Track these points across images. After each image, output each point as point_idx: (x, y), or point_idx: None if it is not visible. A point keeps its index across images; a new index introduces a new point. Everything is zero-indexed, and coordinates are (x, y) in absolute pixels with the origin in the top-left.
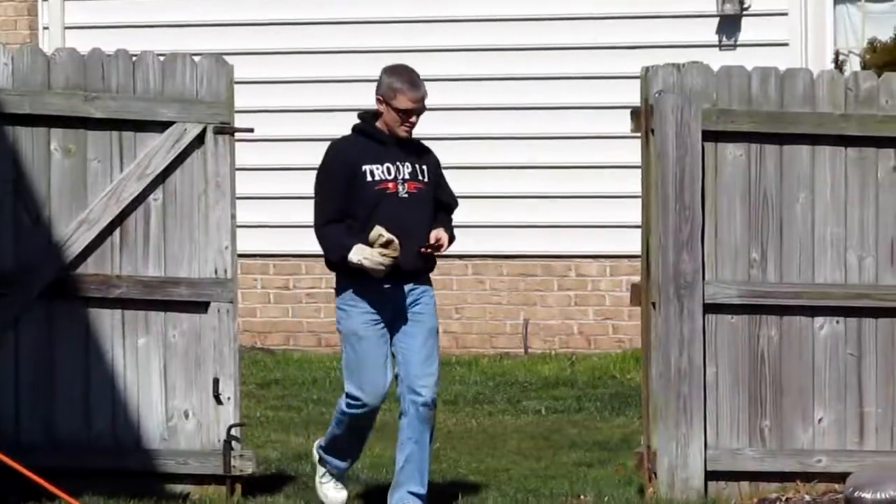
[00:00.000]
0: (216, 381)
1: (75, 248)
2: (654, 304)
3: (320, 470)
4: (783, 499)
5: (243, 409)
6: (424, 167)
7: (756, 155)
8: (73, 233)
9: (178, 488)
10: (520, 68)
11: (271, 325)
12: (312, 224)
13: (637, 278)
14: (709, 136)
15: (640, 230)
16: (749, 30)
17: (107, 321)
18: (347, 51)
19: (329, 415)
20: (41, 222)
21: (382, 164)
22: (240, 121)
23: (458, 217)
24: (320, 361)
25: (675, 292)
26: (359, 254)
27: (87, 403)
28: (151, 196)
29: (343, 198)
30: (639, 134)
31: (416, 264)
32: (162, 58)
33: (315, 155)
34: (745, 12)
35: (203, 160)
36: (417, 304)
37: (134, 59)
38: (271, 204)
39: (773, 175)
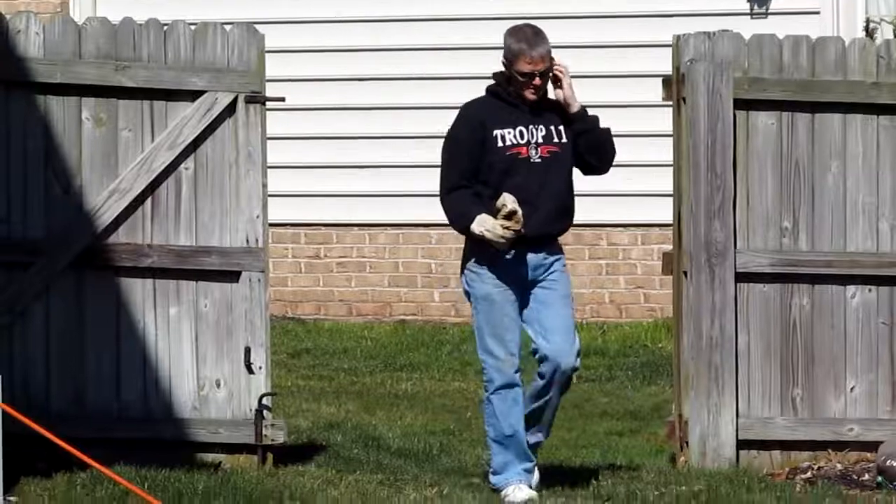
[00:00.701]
0: (247, 351)
1: (106, 217)
2: (685, 272)
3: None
4: (815, 467)
5: (274, 379)
6: (560, 127)
7: (787, 123)
8: (104, 202)
9: (210, 457)
10: (553, 36)
11: (302, 295)
12: (437, 190)
13: (668, 247)
14: (740, 104)
15: (671, 199)
16: None
17: (138, 291)
18: (378, 20)
19: (360, 384)
20: (72, 192)
21: (515, 128)
22: (271, 90)
23: None
24: (351, 331)
25: (707, 261)
26: (481, 225)
27: (117, 373)
28: (182, 165)
29: (471, 162)
30: (670, 102)
31: (546, 229)
32: (193, 27)
33: (346, 123)
34: None
35: (234, 129)
36: (550, 273)
37: (165, 28)
38: (302, 173)
39: (805, 143)
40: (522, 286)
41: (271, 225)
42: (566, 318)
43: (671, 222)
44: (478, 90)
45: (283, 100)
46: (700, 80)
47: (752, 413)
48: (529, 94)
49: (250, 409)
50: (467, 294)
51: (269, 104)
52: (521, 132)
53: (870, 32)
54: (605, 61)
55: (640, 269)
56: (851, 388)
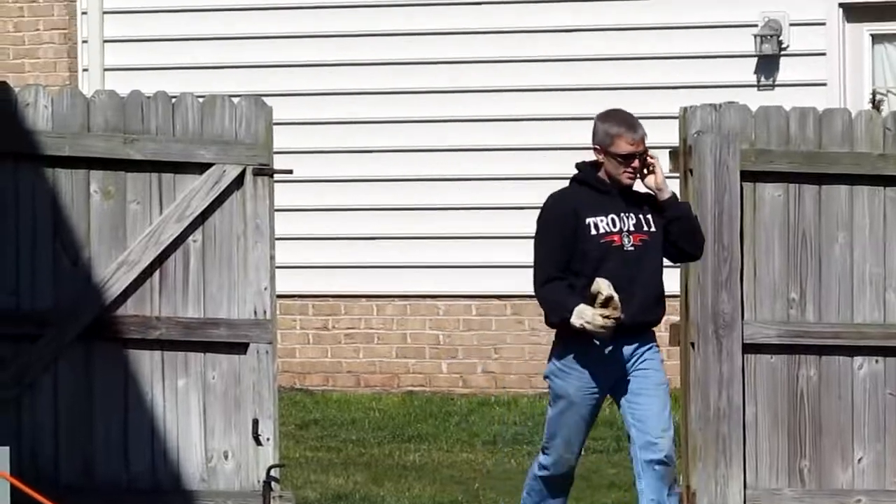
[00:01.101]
0: (255, 422)
1: (115, 289)
2: (692, 343)
3: None
4: None
5: (283, 450)
6: (649, 216)
7: (794, 195)
8: (113, 274)
9: None
10: (557, 108)
11: (310, 366)
12: (532, 281)
13: (676, 318)
14: (747, 176)
15: (678, 270)
16: (787, 70)
17: (146, 362)
18: (386, 92)
19: (368, 455)
20: (80, 264)
21: (606, 216)
22: (278, 162)
23: (500, 257)
24: (359, 402)
25: (714, 332)
26: (580, 317)
27: (125, 445)
28: (191, 237)
29: (564, 253)
30: (677, 174)
31: (641, 317)
32: (201, 99)
33: (352, 195)
34: (783, 52)
35: (242, 201)
36: (644, 361)
37: (173, 100)
38: (310, 244)
39: (812, 215)
40: (612, 378)
41: (279, 296)
42: (659, 406)
43: (678, 293)
44: (502, 159)
45: (290, 172)
46: (707, 152)
47: (759, 484)
48: (626, 178)
49: (258, 481)
50: (549, 384)
51: (276, 176)
52: (612, 220)
53: (876, 104)
54: None
55: None
56: (859, 460)
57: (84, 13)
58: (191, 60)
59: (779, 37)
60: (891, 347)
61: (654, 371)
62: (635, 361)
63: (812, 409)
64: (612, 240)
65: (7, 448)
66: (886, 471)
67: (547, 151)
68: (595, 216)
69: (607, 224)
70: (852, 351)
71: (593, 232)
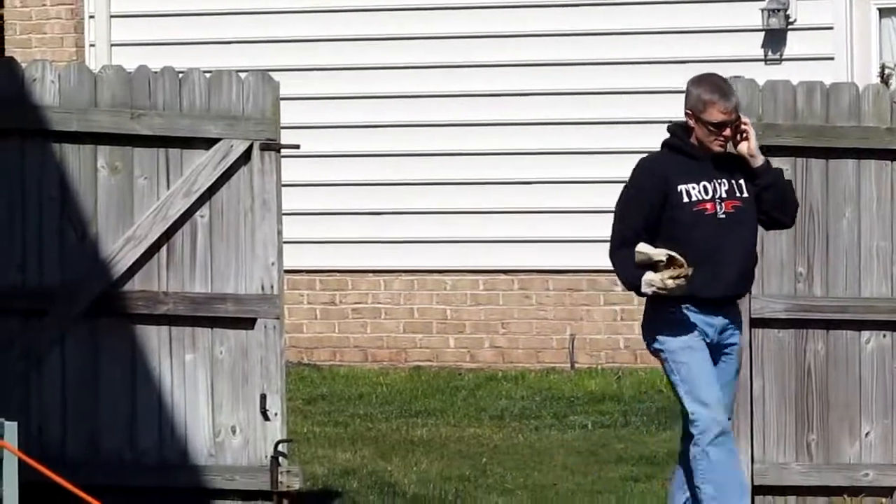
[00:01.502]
0: (263, 397)
1: (122, 264)
2: None
3: None
4: None
5: (290, 425)
6: (742, 181)
7: (802, 169)
8: (120, 250)
9: None
10: (565, 83)
11: (317, 341)
12: (609, 244)
13: None
14: None
15: None
16: (794, 44)
17: (153, 338)
18: (392, 67)
19: (375, 430)
20: (87, 239)
21: (699, 183)
22: (286, 137)
23: (507, 232)
24: (366, 377)
25: None
26: (649, 286)
27: (133, 420)
28: (198, 213)
29: (647, 219)
30: None
31: (730, 291)
32: (208, 75)
33: (359, 170)
34: (790, 27)
35: (249, 177)
36: (729, 345)
37: (180, 76)
38: (317, 219)
39: (819, 189)
40: (709, 336)
41: (286, 271)
42: (729, 398)
43: None
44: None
45: (297, 147)
46: None
47: (767, 458)
48: (717, 146)
49: (266, 456)
50: (657, 352)
51: (284, 151)
52: (704, 187)
53: (884, 78)
54: (618, 107)
55: None
56: (866, 434)
57: None
58: (198, 36)
59: (786, 11)
60: None
61: (735, 360)
62: (727, 337)
63: (819, 384)
64: (705, 208)
65: (15, 423)
66: (894, 445)
67: (550, 126)
68: (687, 183)
69: (699, 192)
70: (860, 325)
71: (685, 199)
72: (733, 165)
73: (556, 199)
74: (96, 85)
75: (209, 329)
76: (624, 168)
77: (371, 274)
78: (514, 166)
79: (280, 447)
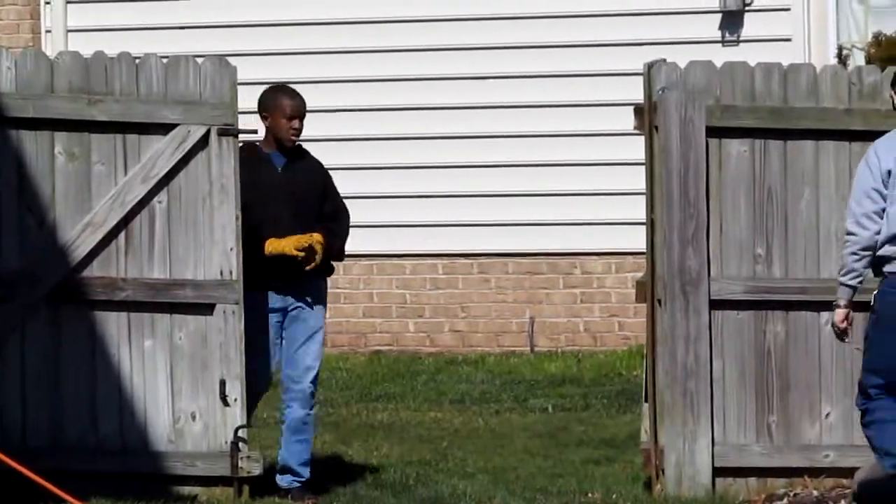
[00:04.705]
0: (223, 383)
1: (80, 251)
2: (659, 300)
3: None
4: (791, 494)
5: (250, 411)
6: None
7: (760, 151)
8: (79, 236)
9: (186, 490)
10: (521, 66)
11: None
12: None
13: (642, 275)
14: (712, 132)
15: (644, 227)
16: (752, 25)
17: (113, 324)
18: (349, 51)
19: (336, 415)
20: (46, 226)
21: None
22: (243, 122)
23: (466, 216)
24: (326, 361)
25: (681, 289)
26: None
27: (93, 406)
28: (156, 199)
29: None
30: (642, 131)
31: None
32: (165, 60)
33: (317, 154)
34: (747, 8)
35: (207, 162)
36: None
37: (137, 61)
38: None
39: (778, 170)
40: None
41: None
42: None
43: (645, 250)
44: (460, 119)
45: (255, 132)
46: (672, 109)
47: (727, 440)
48: None
49: (226, 442)
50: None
51: (241, 136)
52: None
53: (843, 59)
54: (576, 90)
55: (615, 298)
56: (826, 415)
57: None
58: (156, 21)
59: None
60: (856, 302)
61: None
62: None
63: (779, 365)
64: None
65: None
66: (854, 426)
67: (508, 109)
68: None
69: None
70: (819, 306)
71: None
72: None
73: (515, 183)
74: (53, 71)
75: (168, 315)
76: (583, 151)
77: None
78: (473, 150)
79: (240, 433)
